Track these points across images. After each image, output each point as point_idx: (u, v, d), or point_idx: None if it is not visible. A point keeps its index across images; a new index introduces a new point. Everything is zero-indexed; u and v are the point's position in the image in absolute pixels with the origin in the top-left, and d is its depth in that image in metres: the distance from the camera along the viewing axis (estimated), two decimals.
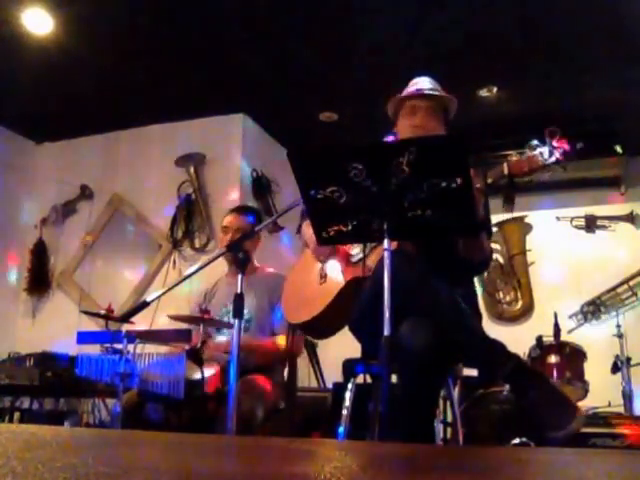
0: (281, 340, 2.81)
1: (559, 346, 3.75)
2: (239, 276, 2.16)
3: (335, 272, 2.26)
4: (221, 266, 3.05)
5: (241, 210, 3.18)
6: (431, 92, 2.20)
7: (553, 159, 1.90)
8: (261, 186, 4.80)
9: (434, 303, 1.84)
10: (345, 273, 2.21)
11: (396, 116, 2.27)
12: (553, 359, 3.70)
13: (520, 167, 1.95)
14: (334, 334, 2.29)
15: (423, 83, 2.25)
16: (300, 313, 2.30)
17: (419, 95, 2.20)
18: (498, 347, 1.78)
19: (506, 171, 1.96)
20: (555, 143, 1.90)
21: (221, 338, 2.87)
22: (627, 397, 3.67)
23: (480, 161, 4.62)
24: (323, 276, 2.29)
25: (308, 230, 2.25)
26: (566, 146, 1.90)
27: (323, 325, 2.26)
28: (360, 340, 2.08)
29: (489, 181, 1.96)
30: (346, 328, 2.16)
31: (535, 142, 1.93)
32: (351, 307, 2.06)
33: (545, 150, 1.92)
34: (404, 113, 2.22)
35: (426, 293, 1.86)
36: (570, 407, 1.70)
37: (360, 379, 2.09)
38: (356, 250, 2.23)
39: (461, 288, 2.01)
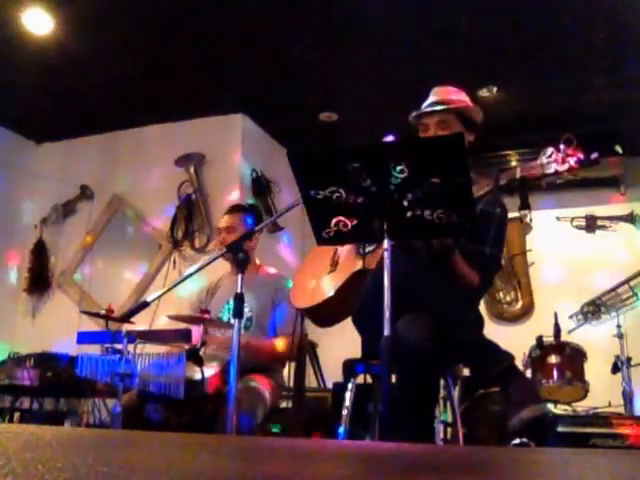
0: (280, 343, 2.80)
1: (559, 346, 3.76)
2: (239, 276, 2.16)
3: (345, 262, 2.29)
4: (223, 265, 3.06)
5: (233, 209, 3.17)
6: (432, 108, 2.18)
7: (566, 167, 1.93)
8: (261, 186, 4.80)
9: (432, 298, 1.85)
10: (354, 264, 2.24)
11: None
12: (553, 359, 3.71)
13: (532, 172, 1.98)
14: (338, 322, 2.32)
15: (431, 96, 2.25)
16: (307, 298, 2.34)
17: (425, 113, 2.19)
18: (491, 348, 1.79)
19: (518, 175, 2.00)
20: (569, 151, 1.92)
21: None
22: (627, 397, 3.67)
23: (481, 162, 4.63)
24: (333, 264, 2.32)
25: None
26: (580, 155, 1.91)
27: (328, 312, 2.29)
28: (361, 333, 2.08)
29: (502, 182, 1.99)
30: (346, 328, 2.17)
31: (550, 149, 1.95)
32: (356, 298, 2.07)
33: (559, 157, 1.94)
34: (419, 130, 2.21)
35: (425, 289, 1.86)
36: (532, 398, 1.71)
37: (360, 379, 2.09)
38: (369, 249, 2.25)
39: (461, 291, 2.01)
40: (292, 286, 2.56)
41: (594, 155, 1.91)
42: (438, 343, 1.76)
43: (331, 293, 2.23)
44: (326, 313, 2.30)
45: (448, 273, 1.95)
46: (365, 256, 2.21)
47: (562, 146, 1.92)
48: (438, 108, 2.18)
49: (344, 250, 2.35)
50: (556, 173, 1.94)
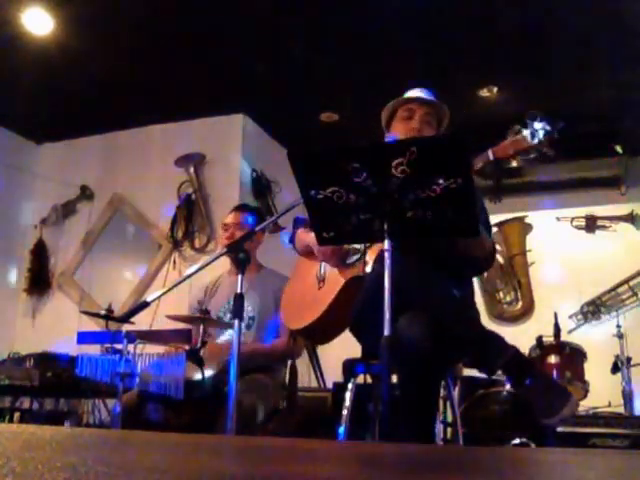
0: (280, 344, 2.80)
1: (559, 346, 3.76)
2: (239, 276, 2.15)
3: (333, 275, 2.26)
4: (223, 264, 3.05)
5: (240, 208, 3.18)
6: (430, 99, 2.23)
7: (536, 140, 1.96)
8: (261, 186, 4.80)
9: (431, 296, 1.84)
10: (343, 274, 2.21)
11: (389, 123, 2.28)
12: (553, 359, 3.71)
13: (505, 151, 2.00)
14: (335, 337, 2.28)
15: (421, 92, 2.28)
16: (300, 318, 2.30)
17: (418, 100, 2.23)
18: (496, 338, 1.79)
19: (492, 156, 2.01)
20: (536, 125, 1.94)
21: (223, 338, 2.87)
22: (627, 397, 3.67)
23: None
24: (321, 280, 2.29)
25: (307, 235, 2.27)
26: (547, 127, 1.93)
27: (324, 329, 2.25)
28: (360, 341, 2.08)
29: (477, 166, 2.00)
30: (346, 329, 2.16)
31: (517, 127, 1.97)
32: (351, 308, 2.06)
33: (528, 132, 1.97)
34: (400, 117, 2.23)
35: (423, 288, 1.86)
36: (563, 393, 1.71)
37: (360, 379, 2.09)
38: (353, 258, 2.23)
39: (459, 290, 2.01)
40: (282, 307, 2.51)
41: (560, 124, 1.94)
42: (438, 340, 1.75)
43: (324, 308, 2.18)
44: (322, 329, 2.25)
45: (470, 250, 1.95)
46: (352, 266, 2.19)
47: (528, 121, 1.95)
48: (435, 100, 2.23)
49: (327, 265, 2.31)
50: (528, 148, 1.96)
